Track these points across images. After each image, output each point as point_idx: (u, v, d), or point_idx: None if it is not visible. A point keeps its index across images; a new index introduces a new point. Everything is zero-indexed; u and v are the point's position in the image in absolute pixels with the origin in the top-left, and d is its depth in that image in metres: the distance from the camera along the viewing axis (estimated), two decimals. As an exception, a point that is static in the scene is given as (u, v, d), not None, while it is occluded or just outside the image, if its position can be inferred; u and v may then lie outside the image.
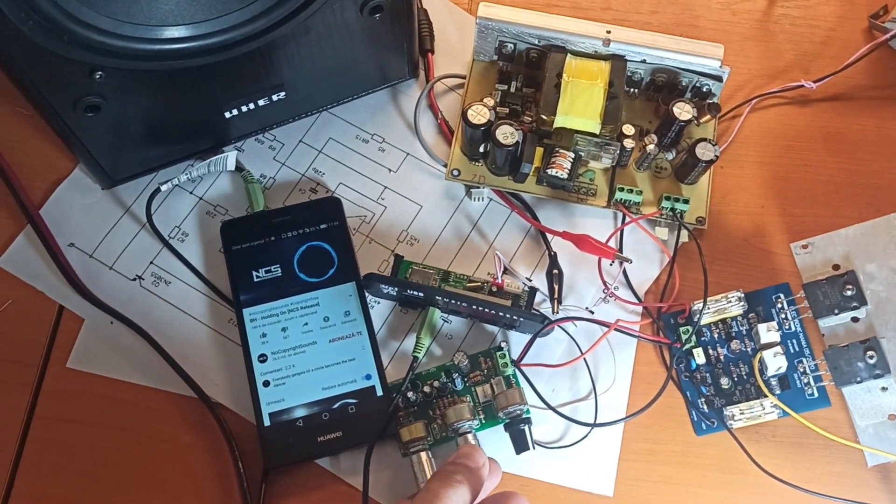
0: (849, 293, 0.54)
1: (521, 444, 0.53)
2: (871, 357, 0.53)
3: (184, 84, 0.53)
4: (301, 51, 0.55)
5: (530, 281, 0.59)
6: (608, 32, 0.59)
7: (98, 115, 0.52)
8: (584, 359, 0.55)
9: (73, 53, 0.46)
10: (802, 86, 0.64)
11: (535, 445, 0.54)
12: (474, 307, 0.54)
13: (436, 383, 0.54)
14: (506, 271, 0.58)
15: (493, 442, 0.54)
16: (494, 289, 0.57)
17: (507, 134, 0.56)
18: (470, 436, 0.53)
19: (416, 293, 0.55)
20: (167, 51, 0.49)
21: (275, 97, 0.58)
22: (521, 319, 0.53)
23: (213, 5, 0.49)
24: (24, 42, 0.44)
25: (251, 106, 0.58)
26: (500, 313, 0.53)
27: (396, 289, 0.55)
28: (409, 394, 0.54)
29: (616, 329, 0.54)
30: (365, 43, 0.58)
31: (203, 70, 0.52)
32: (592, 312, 0.58)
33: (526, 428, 0.53)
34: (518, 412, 0.53)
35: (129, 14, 0.46)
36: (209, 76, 0.54)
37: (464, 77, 0.64)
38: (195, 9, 0.48)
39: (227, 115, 0.58)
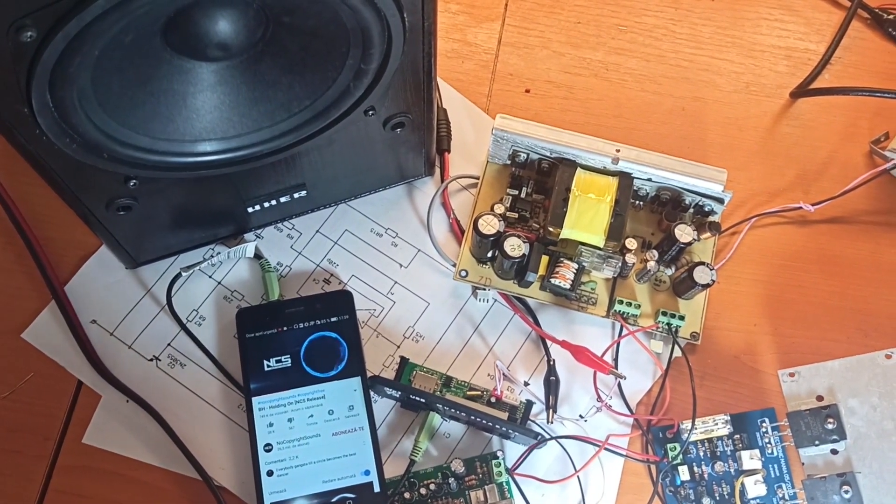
0: (830, 426, 0.57)
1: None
2: (846, 491, 0.55)
3: (211, 186, 0.56)
4: (324, 157, 0.58)
5: (528, 385, 0.61)
6: (617, 151, 0.62)
7: (128, 213, 0.55)
8: (574, 469, 0.58)
9: (112, 167, 0.49)
10: (801, 208, 0.66)
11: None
12: (472, 417, 0.56)
13: (432, 485, 0.57)
14: (504, 378, 0.61)
15: (483, 544, 0.57)
16: (493, 399, 0.59)
17: (514, 246, 0.59)
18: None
19: (418, 398, 0.57)
20: (199, 162, 0.52)
21: (296, 195, 0.61)
22: (516, 434, 0.56)
23: (244, 123, 0.51)
24: (64, 158, 0.47)
25: (273, 202, 0.61)
26: (497, 425, 0.56)
27: (400, 392, 0.57)
28: (406, 494, 0.57)
29: (606, 448, 0.57)
30: (385, 149, 0.61)
31: (230, 174, 0.55)
32: (586, 420, 0.60)
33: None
34: (508, 520, 0.56)
35: (166, 132, 0.49)
36: (235, 179, 0.56)
37: (477, 178, 0.67)
38: (227, 125, 0.51)
39: (250, 209, 0.61)
